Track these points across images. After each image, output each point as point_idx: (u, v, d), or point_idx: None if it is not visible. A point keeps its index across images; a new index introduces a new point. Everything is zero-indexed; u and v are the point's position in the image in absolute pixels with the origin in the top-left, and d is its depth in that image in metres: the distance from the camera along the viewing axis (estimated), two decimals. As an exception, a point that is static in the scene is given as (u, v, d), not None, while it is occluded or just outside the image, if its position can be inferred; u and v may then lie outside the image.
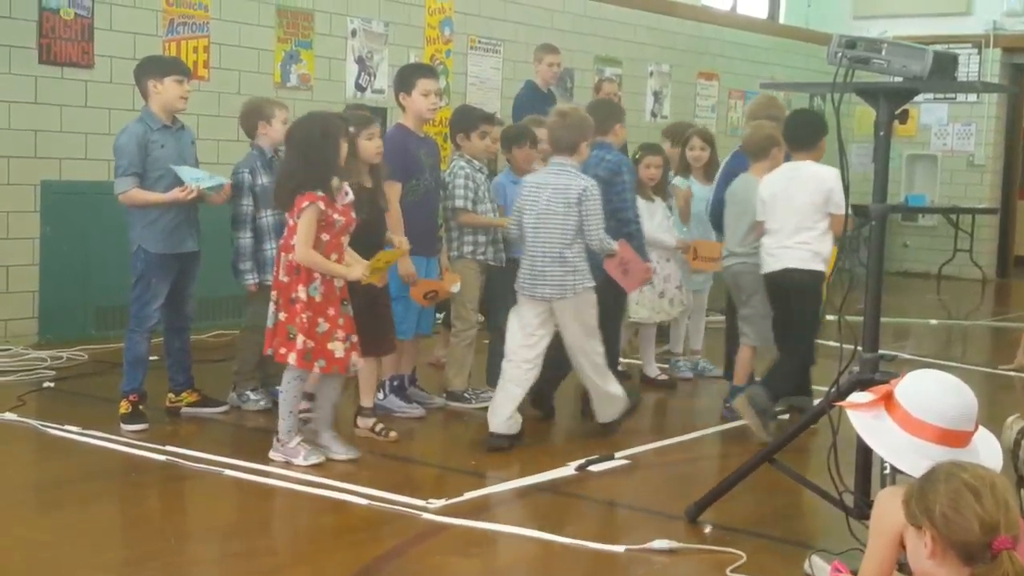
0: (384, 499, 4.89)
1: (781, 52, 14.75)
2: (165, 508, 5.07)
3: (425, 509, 4.76)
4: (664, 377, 7.66)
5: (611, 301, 6.29)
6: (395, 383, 6.49)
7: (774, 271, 6.30)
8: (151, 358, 6.12)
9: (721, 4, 14.75)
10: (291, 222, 5.35)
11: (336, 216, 5.32)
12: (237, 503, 5.10)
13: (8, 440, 5.79)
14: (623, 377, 6.88)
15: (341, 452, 5.48)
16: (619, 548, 4.38)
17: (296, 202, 5.28)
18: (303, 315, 5.25)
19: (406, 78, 6.47)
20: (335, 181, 5.35)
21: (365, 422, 5.96)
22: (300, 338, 5.26)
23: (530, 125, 7.37)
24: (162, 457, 5.42)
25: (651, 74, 13.14)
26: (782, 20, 15.70)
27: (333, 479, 5.16)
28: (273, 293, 5.41)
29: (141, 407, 5.99)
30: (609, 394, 6.10)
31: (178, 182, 5.93)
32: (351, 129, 5.66)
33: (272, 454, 5.44)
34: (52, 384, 6.89)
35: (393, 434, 5.90)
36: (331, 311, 5.33)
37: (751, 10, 15.35)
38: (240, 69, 9.11)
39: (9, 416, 6.06)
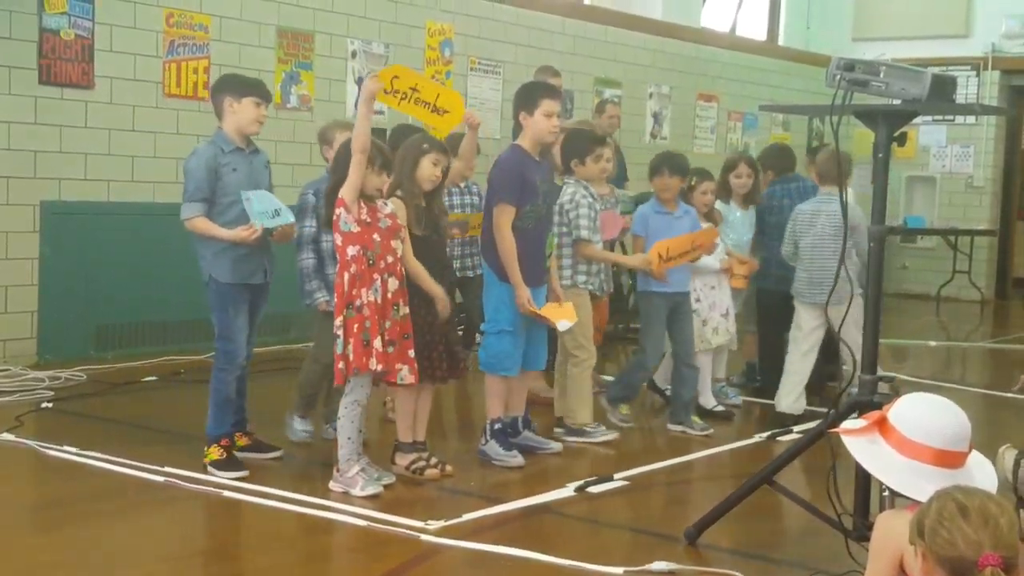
0: (382, 520, 4.87)
1: (780, 74, 14.79)
2: (162, 529, 5.04)
3: (424, 530, 4.75)
4: (720, 408, 7.36)
5: None
6: (496, 426, 5.96)
7: None
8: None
9: (721, 26, 14.81)
10: (337, 240, 5.24)
11: (381, 216, 5.24)
12: (235, 524, 5.10)
13: (5, 461, 5.79)
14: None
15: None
16: (618, 570, 4.36)
17: (336, 208, 5.18)
18: (370, 320, 5.15)
19: (529, 96, 5.99)
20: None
21: (403, 459, 5.65)
22: (378, 340, 5.16)
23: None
24: (160, 478, 5.42)
25: (651, 95, 13.17)
26: (781, 42, 15.74)
27: (331, 500, 5.15)
28: (337, 320, 5.23)
29: (234, 452, 5.66)
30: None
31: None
32: (424, 145, 5.53)
33: (332, 484, 5.30)
34: (50, 404, 6.88)
35: (431, 471, 5.59)
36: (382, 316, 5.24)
37: (751, 32, 15.41)
38: (240, 90, 9.10)
39: (7, 436, 6.05)
